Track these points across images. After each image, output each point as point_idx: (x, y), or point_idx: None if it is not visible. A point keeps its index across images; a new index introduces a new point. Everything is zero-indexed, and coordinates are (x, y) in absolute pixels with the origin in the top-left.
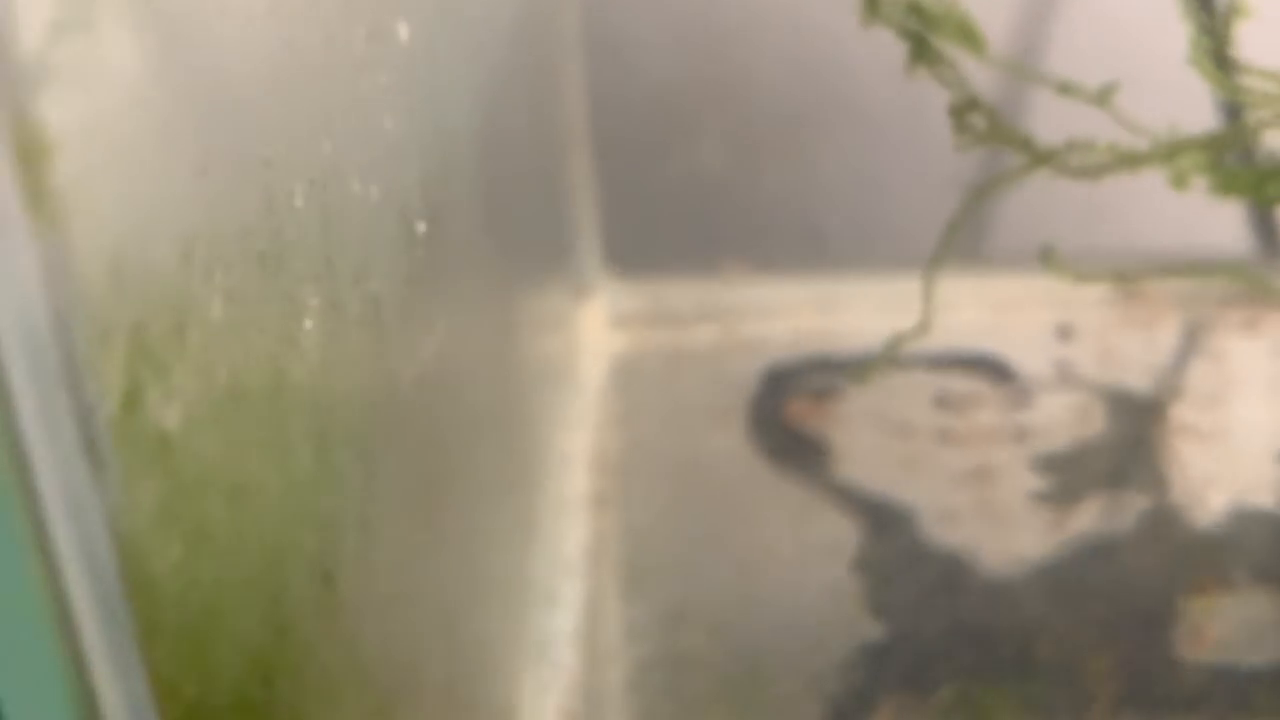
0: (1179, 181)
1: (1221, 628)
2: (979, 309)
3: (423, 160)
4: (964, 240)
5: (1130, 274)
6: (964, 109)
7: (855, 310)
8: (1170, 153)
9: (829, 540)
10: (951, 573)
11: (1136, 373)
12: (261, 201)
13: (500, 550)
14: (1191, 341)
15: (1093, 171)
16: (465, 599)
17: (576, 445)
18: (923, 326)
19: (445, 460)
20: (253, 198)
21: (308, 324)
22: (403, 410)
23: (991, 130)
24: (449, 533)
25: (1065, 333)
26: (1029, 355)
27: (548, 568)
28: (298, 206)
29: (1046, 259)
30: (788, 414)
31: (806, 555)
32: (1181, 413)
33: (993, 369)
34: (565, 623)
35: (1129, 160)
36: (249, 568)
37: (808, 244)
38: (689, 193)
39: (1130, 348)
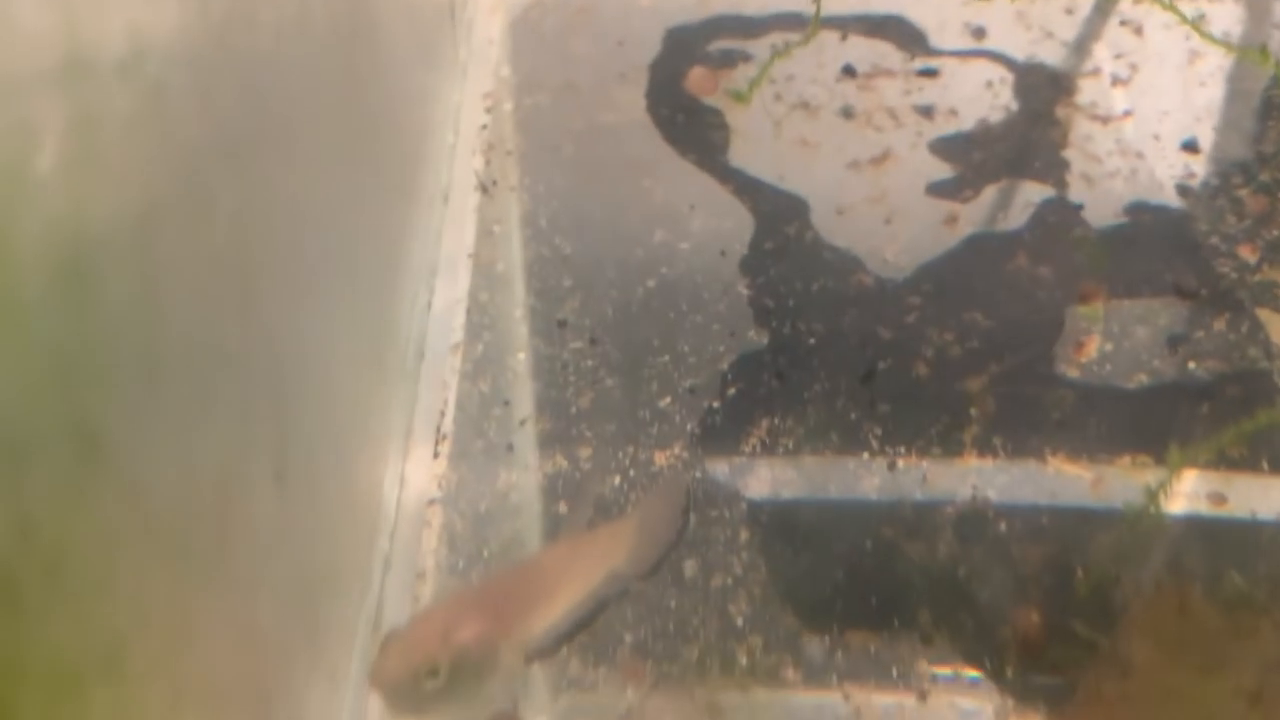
0: None
1: (1102, 340)
2: None
3: None
4: None
5: None
6: None
7: None
8: None
9: (721, 232)
10: (839, 273)
11: (1052, 44)
12: None
13: (368, 261)
14: (1110, 7)
15: None
16: (314, 361)
17: (465, 120)
18: None
19: (267, 185)
20: None
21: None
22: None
23: None
24: (278, 309)
25: None
26: (942, 18)
27: (425, 269)
28: None
29: None
30: (688, 82)
31: (697, 249)
32: (1092, 91)
33: (903, 32)
34: (445, 328)
35: None
36: None
37: None
38: None
39: (1049, 14)
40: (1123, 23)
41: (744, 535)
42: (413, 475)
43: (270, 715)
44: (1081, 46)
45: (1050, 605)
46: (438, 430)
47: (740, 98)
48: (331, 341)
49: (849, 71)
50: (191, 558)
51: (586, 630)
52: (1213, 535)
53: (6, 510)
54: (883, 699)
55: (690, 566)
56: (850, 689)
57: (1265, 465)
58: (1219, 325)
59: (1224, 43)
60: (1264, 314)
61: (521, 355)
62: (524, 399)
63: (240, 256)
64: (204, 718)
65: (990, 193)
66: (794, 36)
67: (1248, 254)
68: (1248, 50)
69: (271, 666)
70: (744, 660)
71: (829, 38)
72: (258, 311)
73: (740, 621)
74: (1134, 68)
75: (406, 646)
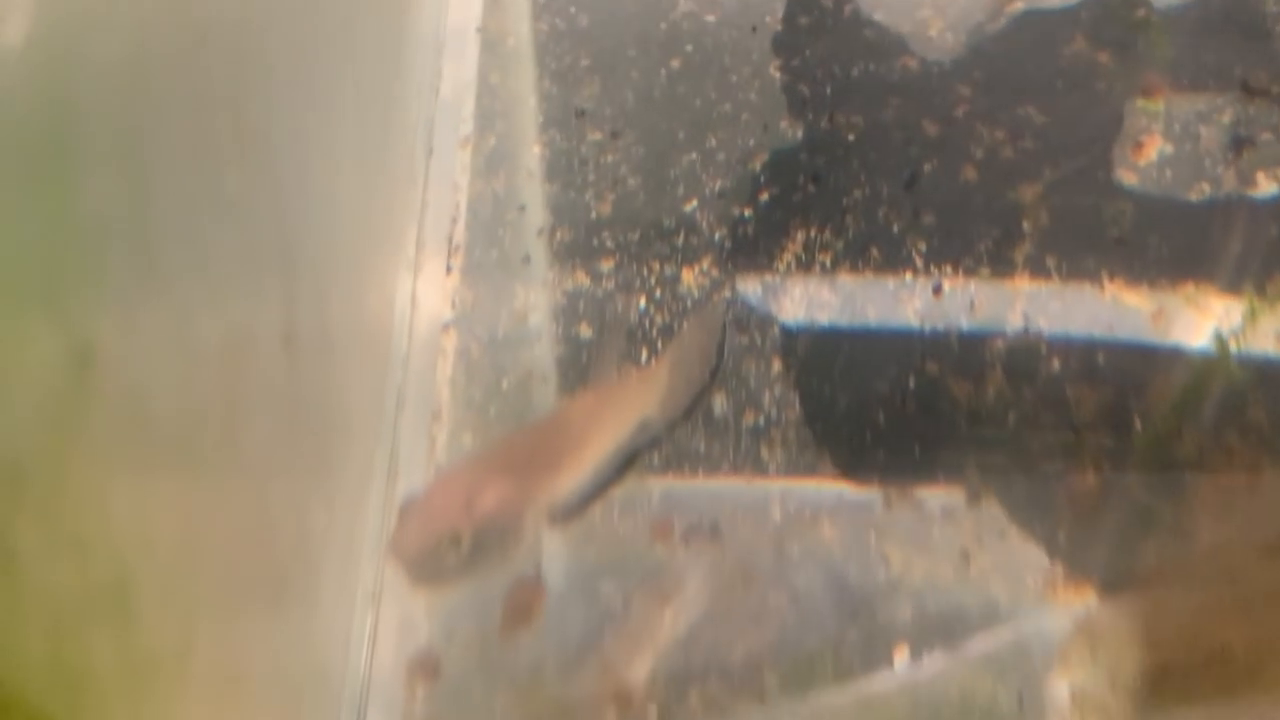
0: None
1: (1170, 141)
2: None
3: None
4: None
5: None
6: None
7: None
8: None
9: (751, 4)
10: (880, 55)
11: None
12: None
13: (369, 30)
14: None
15: None
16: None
17: None
18: None
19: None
20: None
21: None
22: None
23: None
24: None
25: None
26: None
27: (432, 45)
28: None
29: None
30: None
31: (725, 23)
32: None
33: None
34: (454, 116)
35: None
36: None
37: None
38: None
39: None
40: None
41: (776, 368)
42: (425, 294)
43: (287, 579)
44: None
45: (1106, 461)
46: (450, 240)
47: None
48: (336, 150)
49: None
50: (198, 457)
51: (615, 485)
52: None
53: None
54: (921, 561)
55: (720, 403)
56: (889, 548)
57: None
58: None
59: None
60: None
61: (536, 150)
62: (540, 203)
63: (234, 78)
64: (220, 580)
65: None
66: None
67: None
68: None
69: (286, 533)
70: (776, 514)
71: None
72: (255, 143)
73: (773, 468)
74: None
75: (427, 515)
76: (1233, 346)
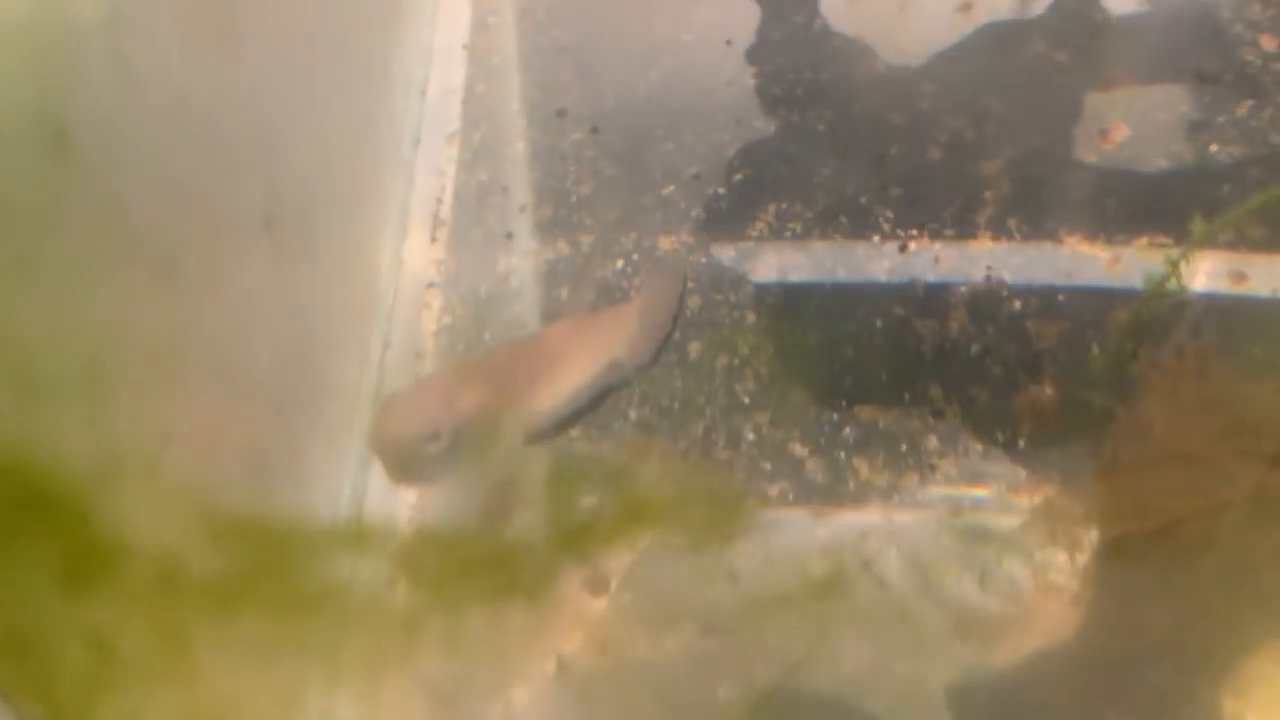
0: None
1: (1131, 128)
2: None
3: None
4: None
5: None
6: None
7: None
8: None
9: (726, 22)
10: (849, 61)
11: None
12: None
13: (358, 40)
14: None
15: None
16: (304, 104)
17: None
18: None
19: None
20: None
21: None
22: None
23: None
24: (265, 31)
25: None
26: None
27: (419, 54)
28: None
29: None
30: None
31: (702, 40)
32: None
33: None
34: (440, 116)
35: None
36: None
37: None
38: None
39: None
40: None
41: (750, 318)
42: (410, 258)
43: (266, 466)
44: None
45: (1065, 379)
46: (435, 216)
47: None
48: (322, 112)
49: None
50: (179, 283)
51: (587, 415)
52: (1234, 312)
53: None
54: (887, 473)
55: (695, 348)
56: (859, 463)
57: None
58: (1241, 111)
59: None
60: None
61: (520, 145)
62: (523, 187)
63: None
64: (191, 457)
65: None
66: None
67: (1270, 43)
68: None
69: (266, 417)
70: (750, 435)
71: None
72: (243, 55)
73: (747, 400)
74: None
75: (408, 409)
76: (1182, 268)
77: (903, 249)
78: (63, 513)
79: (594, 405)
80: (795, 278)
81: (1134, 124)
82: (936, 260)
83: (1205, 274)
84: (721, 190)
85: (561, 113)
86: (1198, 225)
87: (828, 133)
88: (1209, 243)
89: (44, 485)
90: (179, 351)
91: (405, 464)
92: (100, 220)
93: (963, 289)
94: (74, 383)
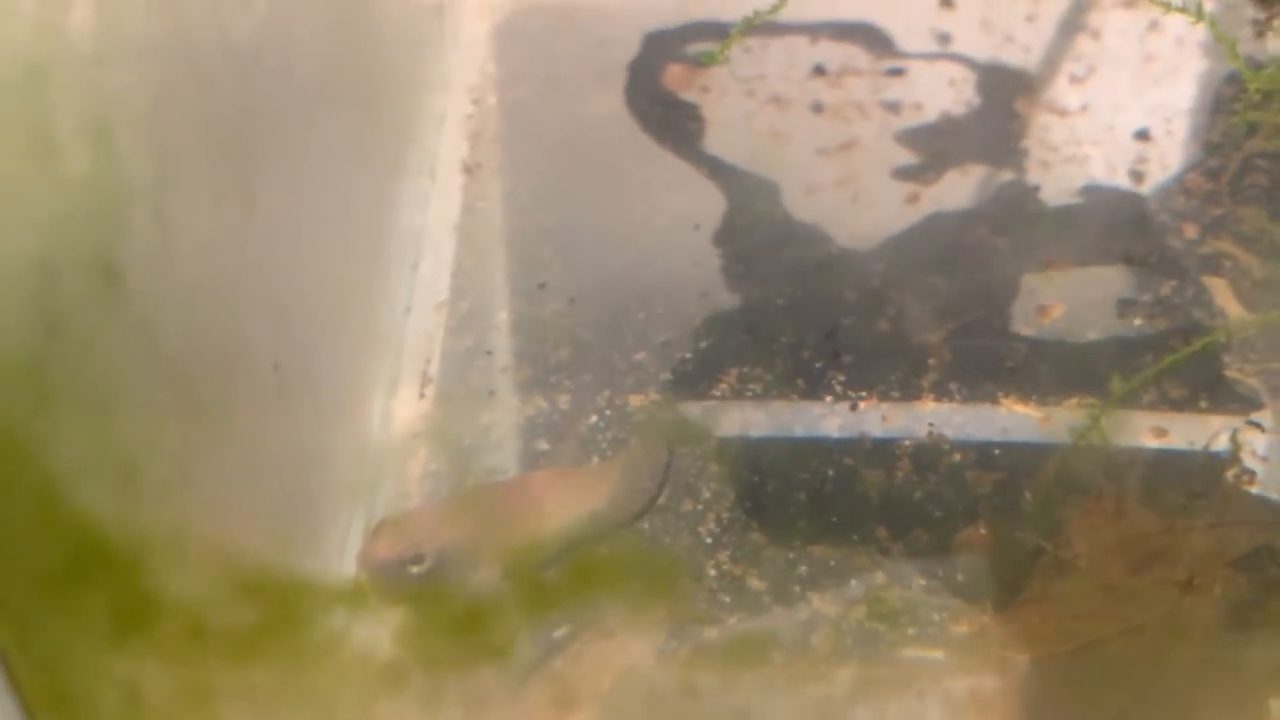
0: None
1: (1066, 305)
2: None
3: None
4: None
5: None
6: None
7: None
8: None
9: (696, 210)
10: (807, 244)
11: (1013, 47)
12: None
13: (358, 219)
14: (1072, 16)
15: None
16: (310, 270)
17: (451, 109)
18: None
19: (271, 135)
20: None
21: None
22: (211, 90)
23: None
24: (279, 207)
25: (947, 2)
26: (909, 24)
27: (412, 234)
28: None
29: None
30: (666, 79)
31: (673, 225)
32: (1051, 89)
33: (871, 37)
34: (431, 288)
35: None
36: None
37: None
38: None
39: (1011, 20)
40: (1081, 29)
41: (713, 467)
42: (399, 410)
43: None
44: (1041, 49)
45: (998, 521)
46: (424, 374)
47: (712, 59)
48: (325, 278)
49: (819, 71)
50: (199, 405)
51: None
52: (1155, 463)
53: (39, 312)
54: (838, 604)
55: (662, 496)
56: (811, 595)
57: (1204, 404)
58: (1165, 290)
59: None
60: (1209, 281)
61: (503, 314)
62: (505, 351)
63: (243, 156)
64: (205, 543)
65: (952, 176)
66: (768, 40)
67: (1192, 230)
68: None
69: (266, 522)
70: (712, 571)
71: (799, 41)
72: (258, 222)
73: (709, 540)
74: (1091, 68)
75: (395, 533)
76: (1104, 421)
77: (853, 408)
78: (110, 575)
79: (570, 554)
80: (755, 433)
81: (1069, 301)
82: (884, 419)
83: (1130, 429)
84: (688, 355)
85: (542, 286)
86: (1115, 384)
87: (786, 306)
88: (1133, 402)
89: (93, 551)
90: (197, 461)
91: (388, 583)
92: (138, 347)
93: (907, 443)
94: (112, 475)
